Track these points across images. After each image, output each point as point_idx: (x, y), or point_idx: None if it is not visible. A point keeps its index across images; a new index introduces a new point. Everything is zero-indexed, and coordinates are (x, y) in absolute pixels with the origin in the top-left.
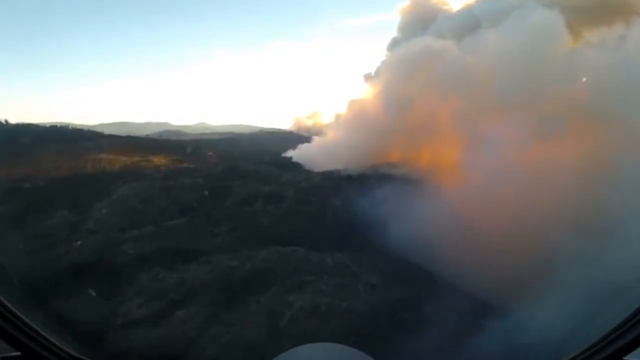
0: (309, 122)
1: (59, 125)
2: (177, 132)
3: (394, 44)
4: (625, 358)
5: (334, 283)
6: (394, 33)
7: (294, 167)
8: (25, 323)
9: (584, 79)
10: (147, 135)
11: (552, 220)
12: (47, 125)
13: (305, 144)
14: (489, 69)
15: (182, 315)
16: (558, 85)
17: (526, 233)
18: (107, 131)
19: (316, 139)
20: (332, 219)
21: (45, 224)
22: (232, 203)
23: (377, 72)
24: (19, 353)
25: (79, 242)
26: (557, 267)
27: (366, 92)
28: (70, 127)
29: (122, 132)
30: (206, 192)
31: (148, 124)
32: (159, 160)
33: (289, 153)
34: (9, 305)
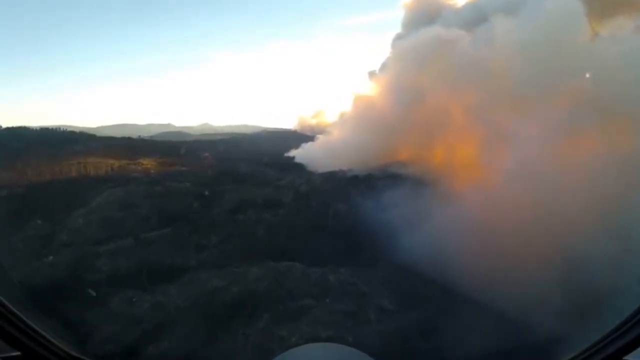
0: (313, 121)
1: (50, 128)
2: (178, 133)
3: (398, 40)
4: (625, 358)
5: (337, 308)
6: (396, 31)
7: (295, 168)
8: (25, 323)
9: (608, 70)
10: (140, 136)
11: (584, 226)
12: (38, 128)
13: (309, 143)
14: (506, 59)
15: (153, 351)
16: (581, 77)
17: (556, 240)
18: (108, 133)
19: (320, 138)
20: (336, 228)
21: (17, 237)
22: (223, 210)
23: (384, 66)
24: (19, 353)
25: (50, 258)
26: (592, 277)
27: (372, 89)
28: (61, 129)
29: (123, 133)
30: (205, 193)
31: (150, 125)
32: (148, 162)
33: (291, 153)
34: (9, 305)
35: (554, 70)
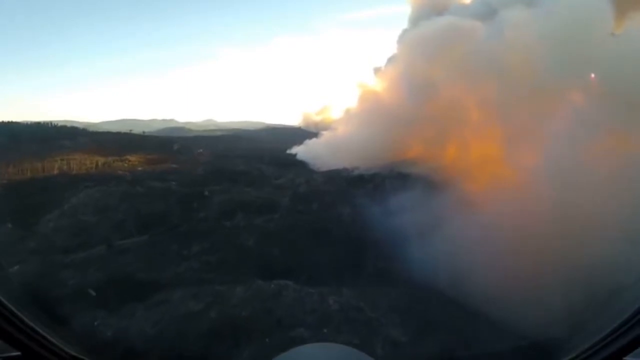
0: (318, 118)
1: (41, 123)
2: (180, 128)
3: (402, 39)
4: (625, 358)
5: (338, 342)
6: (402, 27)
7: (296, 166)
8: (25, 323)
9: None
10: (132, 130)
11: (619, 234)
12: (29, 123)
13: (312, 140)
14: (525, 50)
15: None
16: (606, 70)
17: (588, 250)
18: (109, 128)
19: (324, 134)
20: (338, 236)
21: None
22: (209, 215)
23: (393, 58)
24: (19, 353)
25: (15, 267)
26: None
27: (378, 85)
28: (52, 124)
29: (124, 129)
30: (191, 194)
31: (153, 120)
32: (136, 159)
33: (293, 150)
34: (9, 305)
35: (577, 63)
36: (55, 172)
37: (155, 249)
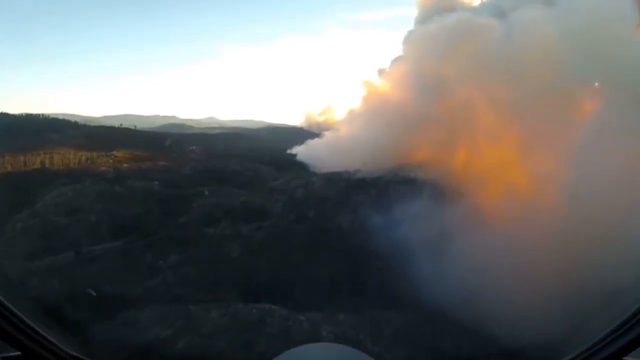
0: (320, 118)
1: (33, 115)
2: (181, 125)
3: (410, 37)
4: (625, 358)
5: None
6: (405, 29)
7: (295, 166)
8: (25, 323)
9: None
10: (122, 124)
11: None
12: (20, 115)
13: (314, 140)
14: (543, 50)
15: None
16: (629, 71)
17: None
18: (109, 123)
19: (326, 135)
20: (335, 250)
21: None
22: (190, 220)
23: (400, 58)
24: (19, 353)
25: None
26: None
27: (383, 85)
28: (42, 116)
29: (125, 124)
30: (174, 196)
31: (155, 116)
32: (123, 155)
33: (294, 150)
34: (9, 305)
35: (597, 64)
36: (36, 166)
37: (128, 257)
